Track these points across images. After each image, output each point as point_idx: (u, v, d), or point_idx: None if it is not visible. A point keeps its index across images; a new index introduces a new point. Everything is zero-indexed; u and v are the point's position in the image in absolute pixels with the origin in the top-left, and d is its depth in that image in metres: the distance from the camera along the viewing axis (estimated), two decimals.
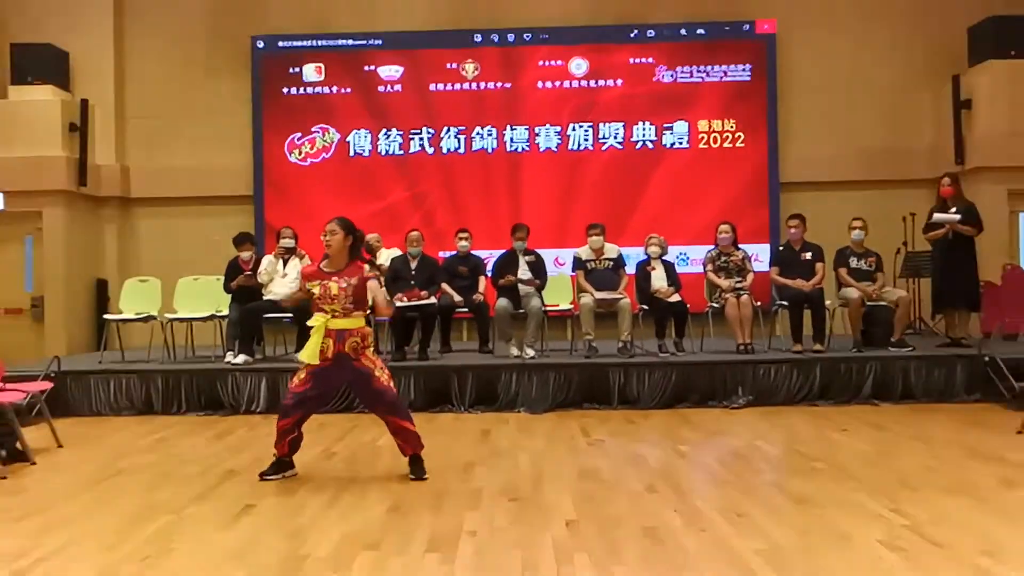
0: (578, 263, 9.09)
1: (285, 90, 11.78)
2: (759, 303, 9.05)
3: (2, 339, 10.87)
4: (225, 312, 9.15)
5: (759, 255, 10.96)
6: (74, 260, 11.23)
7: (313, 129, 11.76)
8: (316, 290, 5.52)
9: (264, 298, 8.91)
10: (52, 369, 8.39)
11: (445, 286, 9.27)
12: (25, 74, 11.21)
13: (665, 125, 11.64)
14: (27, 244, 11.23)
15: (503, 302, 8.84)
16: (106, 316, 9.92)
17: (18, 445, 6.35)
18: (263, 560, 4.03)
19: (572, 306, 9.34)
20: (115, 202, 11.86)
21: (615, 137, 11.68)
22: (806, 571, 3.78)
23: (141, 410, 8.53)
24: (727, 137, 11.60)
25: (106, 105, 11.73)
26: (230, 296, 9.08)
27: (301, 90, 11.78)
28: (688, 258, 11.46)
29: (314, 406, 5.66)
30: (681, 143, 11.65)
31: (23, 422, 6.72)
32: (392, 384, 5.59)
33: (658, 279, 9.06)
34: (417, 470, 5.57)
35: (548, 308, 9.09)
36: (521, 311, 8.90)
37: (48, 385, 7.27)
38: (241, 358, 8.64)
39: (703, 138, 11.62)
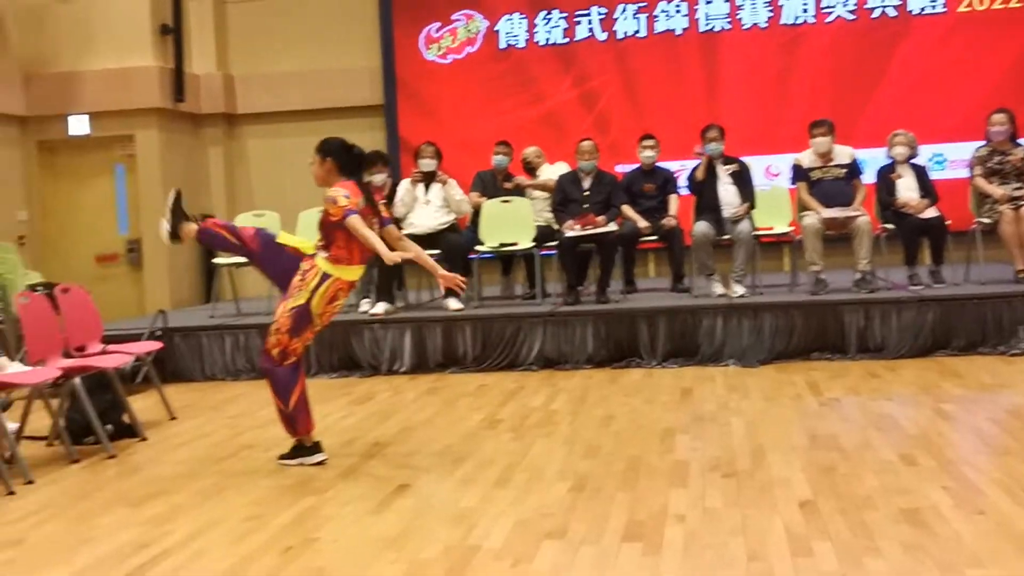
0: (799, 172, 8.89)
1: None
2: None
3: (96, 292, 11.58)
4: None
5: None
6: None
7: (454, 17, 11.89)
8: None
9: (404, 232, 9.12)
10: (157, 326, 8.94)
11: (627, 209, 9.24)
12: None
13: None
14: (118, 175, 11.89)
15: (702, 226, 8.76)
16: (215, 260, 10.41)
17: (125, 418, 6.81)
18: (425, 551, 4.18)
19: (792, 228, 9.16)
20: (218, 120, 12.41)
21: (844, 4, 11.31)
22: None
23: (262, 373, 8.94)
24: None
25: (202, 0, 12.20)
26: None
27: None
28: (946, 160, 11.05)
29: None
30: (934, 7, 11.18)
31: (128, 390, 7.19)
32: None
33: (906, 189, 8.80)
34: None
35: (760, 232, 8.96)
36: (726, 237, 8.80)
37: (156, 346, 7.73)
38: (380, 307, 8.93)
39: None
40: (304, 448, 5.78)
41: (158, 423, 7.21)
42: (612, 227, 8.91)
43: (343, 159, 5.74)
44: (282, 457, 5.82)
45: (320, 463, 5.71)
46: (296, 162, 12.23)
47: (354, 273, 5.67)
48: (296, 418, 5.75)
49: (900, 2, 11.19)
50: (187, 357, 9.13)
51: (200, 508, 5.02)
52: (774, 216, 9.32)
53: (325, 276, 5.54)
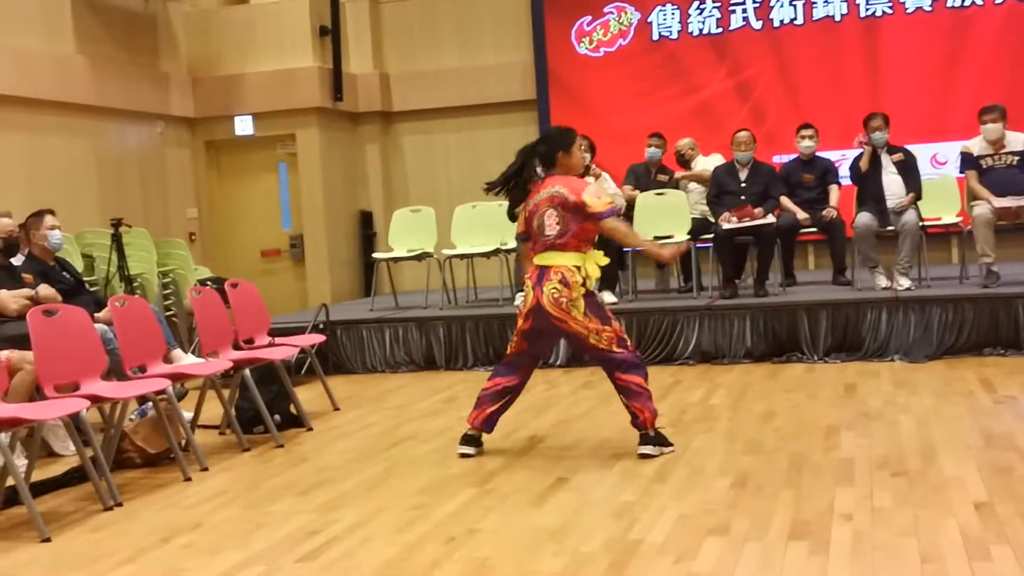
0: (968, 160, 8.59)
1: None
2: None
3: (261, 286, 11.95)
4: (512, 245, 9.50)
5: None
6: (334, 189, 12.14)
7: (606, 9, 11.86)
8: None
9: None
10: (320, 319, 9.19)
11: (785, 200, 9.07)
12: None
13: None
14: (281, 173, 12.25)
15: (865, 217, 8.54)
16: (375, 255, 10.66)
17: (292, 408, 7.03)
18: (586, 544, 4.19)
19: (961, 219, 8.89)
20: (375, 118, 12.66)
21: None
22: None
23: (421, 365, 9.15)
24: None
25: (358, 0, 12.45)
26: (516, 225, 9.40)
27: None
28: None
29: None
30: None
31: (293, 381, 7.41)
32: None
33: None
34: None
35: (927, 223, 8.68)
36: (890, 228, 8.56)
37: (320, 338, 7.95)
38: None
39: None
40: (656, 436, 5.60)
41: (322, 414, 7.41)
42: (770, 219, 8.77)
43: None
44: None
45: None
46: (450, 158, 12.50)
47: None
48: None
49: None
50: (348, 349, 9.35)
51: (365, 497, 5.15)
52: (941, 206, 9.03)
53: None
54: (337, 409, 7.55)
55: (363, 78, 12.52)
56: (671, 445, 5.59)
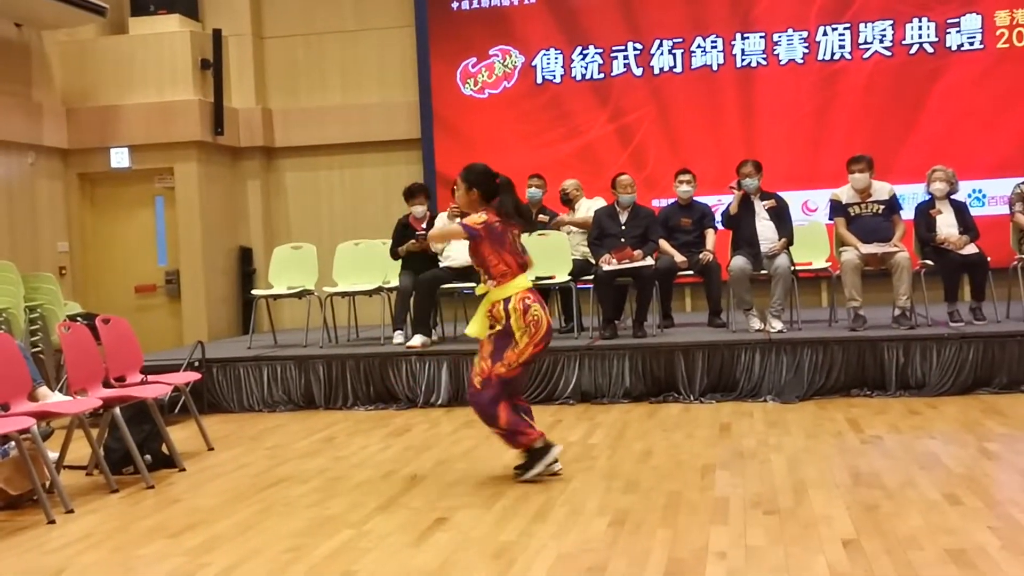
0: (837, 208, 8.85)
1: (455, 4, 12.03)
2: None
3: (134, 322, 11.67)
4: (394, 283, 9.48)
5: None
6: (213, 225, 11.94)
7: (491, 52, 11.97)
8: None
9: (441, 265, 9.15)
10: (196, 357, 8.99)
11: (664, 243, 9.23)
12: (147, 2, 11.93)
13: (949, 21, 11.12)
14: (158, 207, 12.01)
15: (739, 261, 8.72)
16: (253, 292, 10.49)
17: (164, 448, 6.84)
18: None
19: (830, 264, 9.12)
20: (257, 153, 12.53)
21: (881, 40, 11.28)
22: None
23: (300, 404, 9.01)
24: None
25: (241, 35, 12.37)
26: (400, 264, 9.40)
27: (475, 3, 12.00)
28: (985, 196, 10.98)
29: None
30: (972, 44, 11.13)
31: (166, 420, 7.23)
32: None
33: (946, 225, 8.73)
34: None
35: (799, 267, 8.91)
36: (764, 272, 8.76)
37: (195, 376, 7.77)
38: (417, 339, 8.93)
39: (1003, 35, 11.08)
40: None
41: (196, 453, 7.24)
42: (649, 261, 8.90)
43: (485, 187, 5.96)
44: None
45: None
46: (333, 195, 12.43)
47: (523, 281, 5.84)
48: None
49: (938, 39, 11.15)
50: (224, 388, 9.16)
51: (239, 539, 5.02)
52: (812, 251, 9.29)
53: (507, 301, 5.75)
54: (211, 449, 7.38)
55: (245, 112, 12.38)
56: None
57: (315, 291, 9.79)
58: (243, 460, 7.01)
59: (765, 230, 8.85)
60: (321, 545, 4.82)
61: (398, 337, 9.22)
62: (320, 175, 12.55)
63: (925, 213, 8.81)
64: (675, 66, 11.65)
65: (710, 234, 9.38)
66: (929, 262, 8.73)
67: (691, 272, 9.32)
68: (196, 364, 8.91)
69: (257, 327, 10.33)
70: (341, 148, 12.39)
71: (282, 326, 11.05)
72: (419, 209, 9.46)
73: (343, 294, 9.70)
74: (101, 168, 11.84)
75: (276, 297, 10.06)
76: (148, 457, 6.58)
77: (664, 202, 10.27)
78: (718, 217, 9.52)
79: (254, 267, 12.38)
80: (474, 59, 12.00)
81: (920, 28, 11.19)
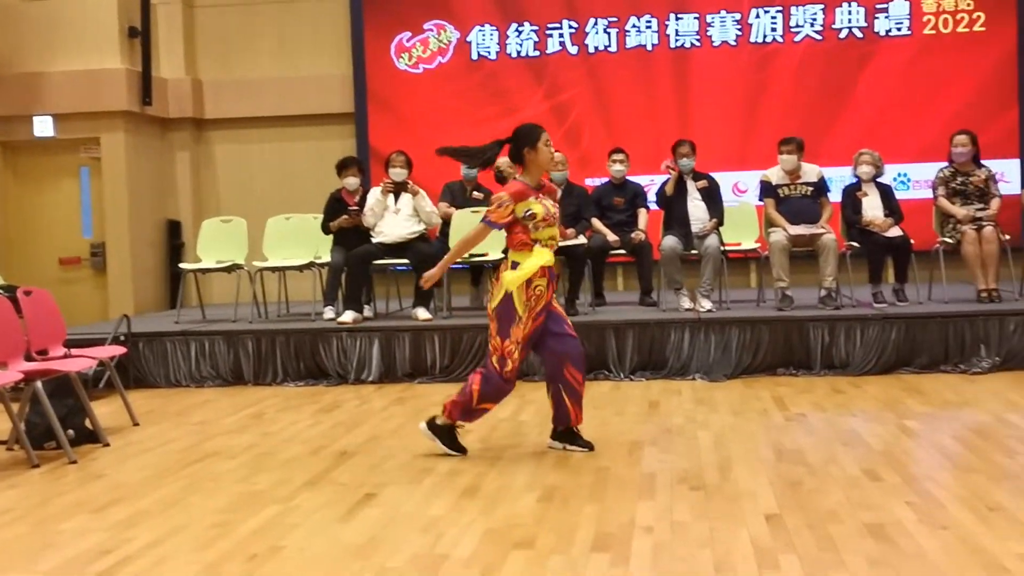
0: (767, 189, 8.96)
1: None
2: (1007, 237, 8.83)
3: (59, 295, 11.46)
4: (326, 259, 9.42)
5: (1006, 174, 10.60)
6: (140, 197, 11.75)
7: (426, 27, 11.90)
8: (539, 210, 5.73)
9: (373, 241, 9.10)
10: (121, 331, 8.86)
11: (596, 222, 9.28)
12: None
13: (878, 6, 11.30)
14: (83, 178, 11.79)
15: (671, 241, 8.80)
16: (181, 265, 10.36)
17: (88, 423, 6.74)
18: (392, 560, 4.17)
19: (759, 245, 9.24)
20: (186, 124, 12.34)
21: (812, 24, 11.42)
22: None
23: (228, 380, 8.93)
24: (962, 19, 11.20)
25: (170, 3, 12.17)
26: (332, 239, 9.34)
27: None
28: (910, 180, 11.18)
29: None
30: (899, 29, 11.30)
31: (90, 395, 7.13)
32: None
33: (871, 208, 8.87)
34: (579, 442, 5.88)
35: (728, 248, 9.00)
36: (694, 252, 8.84)
37: (120, 350, 7.64)
38: (348, 315, 8.89)
39: (929, 21, 11.25)
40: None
41: (121, 429, 7.15)
42: (581, 240, 8.94)
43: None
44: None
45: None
46: (265, 168, 12.29)
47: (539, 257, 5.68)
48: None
49: (867, 24, 11.31)
50: (151, 363, 9.05)
51: (164, 515, 4.98)
52: (742, 232, 9.39)
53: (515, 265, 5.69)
54: (137, 424, 7.29)
55: (174, 83, 12.19)
56: (588, 446, 5.86)
57: (245, 265, 9.69)
58: (169, 435, 6.94)
59: (696, 210, 8.93)
60: (247, 521, 4.80)
61: (329, 313, 9.17)
62: (252, 148, 12.40)
63: (852, 195, 8.95)
64: (610, 45, 11.68)
65: (642, 213, 9.44)
66: (855, 244, 8.88)
67: (623, 251, 9.39)
68: (122, 338, 8.78)
69: (185, 301, 10.21)
70: (273, 121, 12.25)
71: (211, 301, 10.93)
72: (352, 181, 9.39)
73: (273, 269, 9.63)
74: (24, 137, 11.58)
75: (205, 271, 9.94)
76: (71, 432, 6.49)
77: (598, 181, 10.31)
78: (651, 196, 9.59)
79: (182, 240, 12.22)
80: (409, 33, 11.92)
81: (850, 13, 11.34)
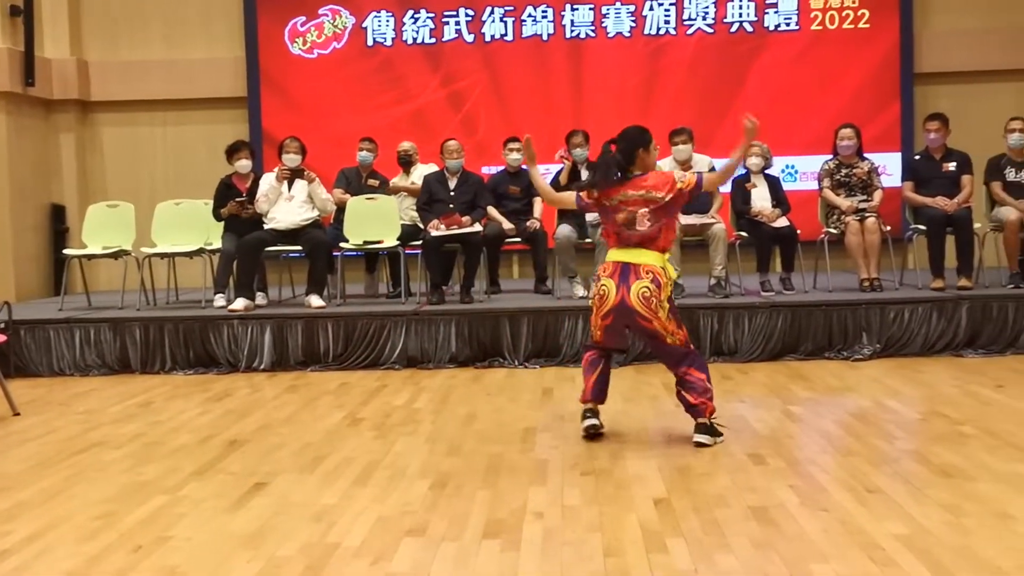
0: None
1: None
2: (888, 228, 9.04)
3: None
4: (217, 245, 9.27)
5: (888, 167, 10.84)
6: (22, 180, 11.39)
7: (320, 11, 11.77)
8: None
9: (265, 227, 8.98)
10: (2, 318, 8.60)
11: (492, 210, 9.30)
12: None
13: (768, 1, 11.49)
14: None
15: (565, 230, 8.86)
16: (65, 251, 10.10)
17: None
18: (282, 549, 4.13)
19: None
20: (72, 106, 12.00)
21: (704, 18, 11.56)
22: (957, 559, 3.80)
23: (115, 369, 8.73)
24: (848, 16, 11.46)
25: None
26: (222, 225, 9.19)
27: None
28: (797, 172, 11.41)
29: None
30: (788, 24, 11.51)
31: None
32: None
33: (760, 198, 9.04)
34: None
35: None
36: (588, 241, 8.92)
37: (0, 338, 7.45)
38: (239, 303, 8.75)
39: (816, 17, 11.48)
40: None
41: (1, 419, 6.94)
42: (477, 228, 8.96)
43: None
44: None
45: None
46: (155, 152, 12.04)
47: (612, 254, 5.75)
48: None
49: (756, 18, 11.51)
50: (33, 351, 8.80)
51: (45, 506, 4.86)
52: None
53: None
54: (17, 414, 7.08)
55: (58, 63, 11.84)
56: (721, 435, 5.71)
57: (132, 252, 9.49)
58: (52, 425, 6.76)
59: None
60: (133, 511, 4.71)
61: (219, 300, 9.03)
62: (141, 131, 12.12)
63: (741, 186, 9.11)
64: (506, 34, 11.69)
65: (538, 202, 9.47)
66: (744, 233, 9.04)
67: (518, 239, 9.42)
68: (2, 326, 8.52)
69: (70, 288, 9.96)
70: (163, 104, 11.98)
71: (97, 288, 10.68)
72: (244, 164, 9.27)
73: (162, 255, 9.45)
74: None
75: (90, 257, 9.71)
76: None
77: (494, 169, 10.32)
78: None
79: (67, 225, 11.89)
80: (303, 18, 11.77)
81: (741, 7, 11.52)
